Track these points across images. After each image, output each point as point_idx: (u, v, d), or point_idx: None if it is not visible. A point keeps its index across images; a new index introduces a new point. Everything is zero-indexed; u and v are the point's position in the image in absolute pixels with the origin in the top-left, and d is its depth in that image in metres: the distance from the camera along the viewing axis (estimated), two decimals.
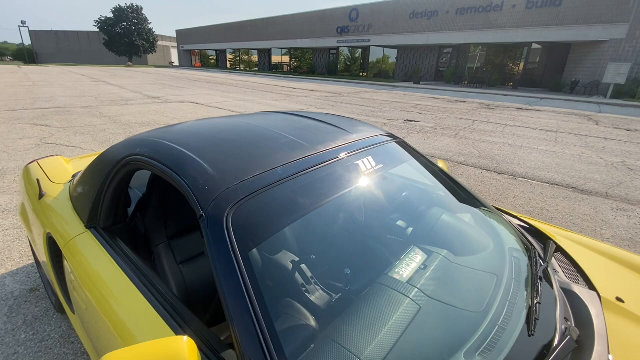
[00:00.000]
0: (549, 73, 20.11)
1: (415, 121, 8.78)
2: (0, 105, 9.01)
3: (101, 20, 49.36)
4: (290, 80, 24.97)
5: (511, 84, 20.89)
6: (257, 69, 41.00)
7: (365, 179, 1.12)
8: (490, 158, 5.42)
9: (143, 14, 52.21)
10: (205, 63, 50.83)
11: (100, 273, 1.05)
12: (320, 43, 30.64)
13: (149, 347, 0.60)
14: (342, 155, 1.13)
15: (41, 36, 58.11)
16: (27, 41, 57.87)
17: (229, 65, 45.25)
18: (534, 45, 19.65)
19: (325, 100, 12.74)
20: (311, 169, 1.01)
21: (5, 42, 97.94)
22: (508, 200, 3.74)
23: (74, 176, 1.60)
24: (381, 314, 0.87)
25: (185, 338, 0.63)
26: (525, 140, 6.85)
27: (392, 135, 1.56)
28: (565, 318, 0.90)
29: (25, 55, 55.04)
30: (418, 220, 1.34)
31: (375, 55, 29.12)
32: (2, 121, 7.02)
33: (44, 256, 1.48)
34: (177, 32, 53.45)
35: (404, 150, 1.50)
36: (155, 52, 54.85)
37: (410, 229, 1.28)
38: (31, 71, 27.64)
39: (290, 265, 0.92)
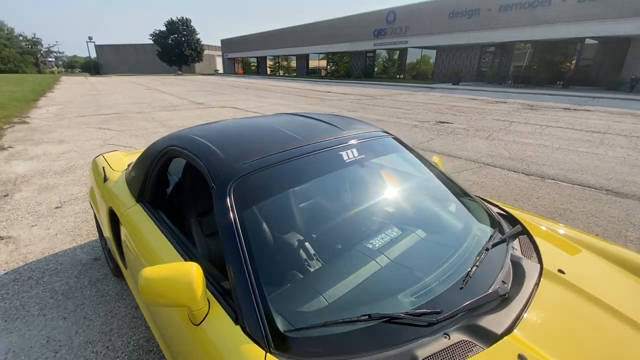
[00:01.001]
0: (604, 70, 18.47)
1: (447, 123, 8.67)
2: (72, 112, 10.38)
3: (155, 33, 53.81)
4: (326, 84, 25.44)
5: (561, 82, 19.48)
6: (295, 74, 42.13)
7: (348, 167, 1.36)
8: (520, 160, 5.29)
9: (192, 26, 56.02)
10: (246, 70, 53.28)
11: (145, 234, 1.41)
12: (357, 46, 30.82)
13: (171, 266, 0.90)
14: (329, 147, 1.38)
15: (105, 49, 64.69)
16: (93, 54, 64.84)
17: (268, 72, 47.00)
18: (588, 41, 18.20)
19: (357, 103, 12.93)
20: (300, 157, 1.28)
21: (75, 56, 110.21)
22: (530, 200, 3.70)
23: (129, 165, 2.03)
24: (346, 269, 1.11)
25: (195, 265, 0.93)
26: (565, 141, 6.52)
27: (386, 132, 1.79)
28: (503, 281, 1.07)
29: (91, 67, 61.63)
30: (398, 202, 1.55)
31: (412, 56, 28.69)
32: (73, 126, 8.14)
33: (106, 227, 1.91)
34: (222, 41, 56.64)
35: (395, 145, 1.72)
36: (202, 61, 58.51)
37: (390, 209, 1.50)
38: (97, 81, 30.97)
39: (274, 225, 1.20)
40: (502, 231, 1.35)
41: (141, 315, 1.96)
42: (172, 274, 0.88)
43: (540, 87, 19.40)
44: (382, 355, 0.81)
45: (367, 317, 0.87)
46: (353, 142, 1.48)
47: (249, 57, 50.96)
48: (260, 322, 0.86)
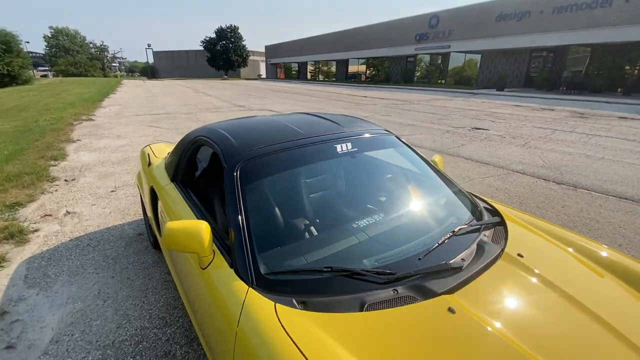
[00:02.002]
0: None
1: (483, 129, 8.45)
2: (130, 112, 11.58)
3: (206, 40, 57.47)
4: (363, 89, 25.53)
5: (621, 89, 17.83)
6: (334, 79, 42.65)
7: (340, 157, 1.59)
8: (554, 168, 5.09)
9: (239, 33, 59.01)
10: (288, 75, 54.90)
11: (175, 205, 1.74)
12: (397, 51, 30.55)
13: (188, 221, 1.19)
14: (326, 140, 1.61)
15: (161, 55, 70.23)
16: (151, 60, 70.75)
17: (309, 76, 48.05)
18: None
19: (392, 108, 12.93)
20: (298, 147, 1.53)
21: (136, 61, 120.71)
22: (554, 209, 3.62)
23: (168, 153, 2.42)
24: (327, 239, 1.34)
25: (205, 223, 1.20)
26: (612, 152, 6.11)
27: (387, 131, 1.98)
28: (462, 259, 1.23)
29: (148, 71, 67.24)
30: (388, 191, 1.74)
31: (455, 61, 27.84)
32: (130, 123, 9.13)
33: (148, 204, 2.30)
34: (266, 47, 58.93)
35: (393, 141, 1.90)
36: (246, 66, 61.32)
37: (380, 197, 1.69)
38: (152, 84, 33.80)
39: (268, 200, 1.45)
40: (473, 219, 1.49)
41: (172, 280, 2.32)
42: (188, 226, 1.17)
43: (597, 94, 17.90)
44: (337, 298, 1.02)
45: (329, 269, 1.09)
46: (350, 137, 1.70)
47: (291, 63, 52.48)
48: (248, 267, 1.11)
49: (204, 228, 1.18)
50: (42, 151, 5.74)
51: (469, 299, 1.04)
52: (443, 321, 0.96)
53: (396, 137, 2.00)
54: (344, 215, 1.51)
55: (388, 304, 1.01)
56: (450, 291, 1.06)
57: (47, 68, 65.90)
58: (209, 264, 1.22)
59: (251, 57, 63.07)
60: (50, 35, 64.40)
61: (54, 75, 59.29)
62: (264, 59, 62.77)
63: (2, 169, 4.65)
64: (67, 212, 3.45)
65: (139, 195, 3.12)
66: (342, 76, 40.75)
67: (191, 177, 1.94)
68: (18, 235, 2.89)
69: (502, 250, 1.29)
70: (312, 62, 46.84)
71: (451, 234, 1.32)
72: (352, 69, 39.48)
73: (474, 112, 11.71)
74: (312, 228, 1.40)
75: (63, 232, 3.02)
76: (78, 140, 6.91)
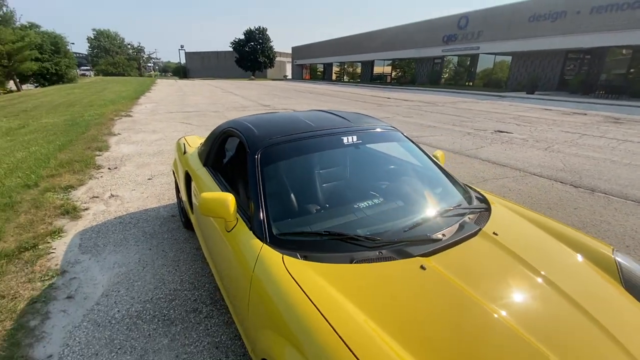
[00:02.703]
0: None
1: (506, 132, 8.36)
2: (163, 109, 12.34)
3: (235, 41, 59.16)
4: (388, 90, 25.47)
5: None
6: (359, 80, 42.68)
7: (345, 147, 1.84)
8: (574, 172, 5.05)
9: (267, 34, 60.29)
10: (313, 76, 55.50)
11: (207, 185, 2.06)
12: (424, 53, 30.20)
13: (218, 193, 1.48)
14: (334, 133, 1.86)
15: (192, 56, 73.06)
16: (183, 60, 73.84)
17: (334, 77, 48.35)
18: None
19: (414, 109, 12.94)
20: (309, 138, 1.80)
21: (169, 62, 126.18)
22: (565, 210, 3.66)
23: (200, 143, 2.77)
24: (330, 214, 1.60)
25: (230, 195, 1.49)
26: None
27: (392, 127, 2.20)
28: (443, 234, 1.44)
29: (180, 71, 70.17)
30: (389, 178, 1.97)
31: (484, 63, 27.14)
32: (164, 120, 9.79)
33: (182, 187, 2.66)
34: (293, 48, 59.87)
35: (397, 136, 2.13)
36: (273, 67, 62.53)
37: (382, 183, 1.93)
38: (184, 84, 35.35)
39: (282, 179, 1.73)
40: (467, 206, 1.70)
41: (200, 254, 2.66)
42: (218, 196, 1.47)
43: (638, 98, 16.92)
44: (332, 254, 1.28)
45: (327, 233, 1.35)
46: (356, 131, 1.94)
47: (316, 64, 53.02)
48: (263, 228, 1.39)
49: (230, 198, 1.47)
50: (88, 143, 6.38)
51: (440, 261, 1.26)
52: (414, 275, 1.19)
53: (401, 133, 2.23)
54: (347, 196, 1.76)
55: (372, 262, 1.25)
56: (425, 255, 1.29)
57: (88, 68, 70.43)
58: (232, 228, 1.52)
59: (278, 58, 64.22)
60: (92, 37, 68.79)
61: (94, 74, 63.24)
62: (290, 60, 63.78)
63: (57, 157, 5.26)
64: (112, 195, 3.91)
65: (174, 181, 3.51)
66: (367, 77, 40.71)
67: (220, 162, 2.26)
68: (72, 212, 3.36)
69: (480, 229, 1.49)
70: (338, 63, 47.10)
71: (437, 214, 1.53)
72: (377, 70, 39.37)
73: (499, 115, 11.51)
74: (318, 204, 1.66)
75: (108, 212, 3.46)
76: (118, 133, 7.56)
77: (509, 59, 24.77)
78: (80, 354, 1.72)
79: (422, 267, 1.21)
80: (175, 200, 3.74)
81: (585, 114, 12.03)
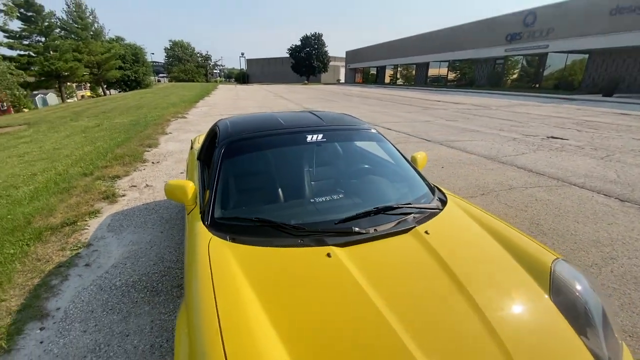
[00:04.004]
0: None
1: (560, 138, 7.56)
2: (216, 112, 13.42)
3: (291, 48, 61.48)
4: (441, 93, 24.38)
5: None
6: (413, 83, 41.40)
7: (307, 144, 1.94)
8: (627, 185, 4.43)
9: (322, 40, 61.59)
10: (366, 79, 55.21)
11: (194, 175, 2.32)
12: (483, 53, 28.30)
13: (180, 180, 1.70)
14: (300, 131, 1.98)
15: (252, 63, 77.63)
16: (244, 66, 78.77)
17: (388, 80, 47.56)
18: None
19: (463, 113, 12.26)
20: (275, 135, 1.94)
21: (234, 68, 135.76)
22: (597, 224, 3.27)
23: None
24: (274, 203, 1.73)
25: (191, 183, 1.70)
26: None
27: (369, 128, 2.25)
28: (375, 229, 1.47)
29: (241, 77, 74.98)
30: (346, 172, 2.03)
31: (554, 63, 24.53)
32: (213, 121, 10.66)
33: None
34: (347, 52, 60.29)
35: (373, 137, 2.18)
36: (327, 71, 63.61)
37: (347, 181, 1.99)
38: (241, 89, 37.74)
39: (240, 170, 1.88)
40: (418, 205, 1.69)
41: None
42: (179, 183, 1.70)
43: None
44: (257, 239, 1.40)
45: (257, 219, 1.48)
46: (324, 130, 2.03)
47: (369, 67, 52.68)
48: (208, 212, 1.57)
49: (189, 185, 1.69)
50: (142, 140, 7.27)
51: (349, 252, 1.31)
52: (319, 261, 1.27)
53: (378, 133, 2.26)
54: (303, 190, 1.86)
55: (288, 245, 1.35)
56: (340, 245, 1.34)
57: (165, 75, 78.75)
58: (190, 211, 1.73)
59: (332, 63, 65.13)
60: (169, 47, 76.91)
61: (168, 80, 70.49)
62: (344, 64, 64.27)
63: (114, 151, 6.11)
64: (147, 185, 4.46)
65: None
66: (422, 80, 39.33)
67: (207, 155, 2.51)
68: (111, 197, 3.93)
69: (413, 227, 1.49)
70: (391, 66, 46.26)
71: (376, 209, 1.57)
72: (432, 72, 37.84)
73: (559, 120, 10.40)
74: (270, 196, 1.80)
75: (140, 199, 3.97)
76: (170, 133, 8.47)
77: (583, 57, 22.07)
78: (80, 310, 2.08)
79: (328, 255, 1.28)
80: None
81: None
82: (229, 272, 1.22)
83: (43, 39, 26.98)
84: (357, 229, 1.44)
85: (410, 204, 1.69)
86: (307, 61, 60.85)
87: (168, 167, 5.36)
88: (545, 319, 1.14)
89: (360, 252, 1.33)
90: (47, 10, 26.80)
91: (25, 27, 26.04)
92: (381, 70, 49.15)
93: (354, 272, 1.21)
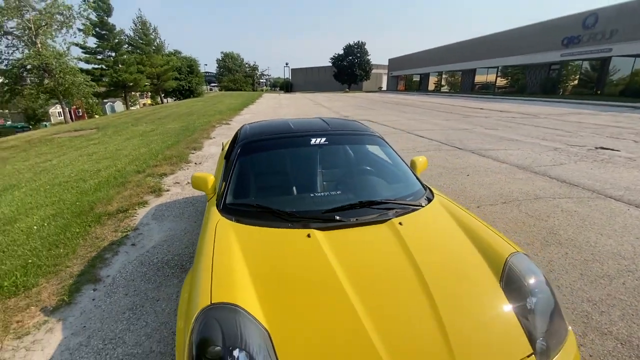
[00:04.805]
0: None
1: (610, 149, 7.03)
2: (258, 118, 14.25)
3: (334, 57, 62.56)
4: (488, 100, 23.32)
5: None
6: (458, 90, 39.94)
7: (311, 147, 2.21)
8: None
9: (365, 49, 61.86)
10: (408, 87, 54.31)
11: (219, 172, 2.71)
12: (536, 58, 26.58)
13: (203, 173, 2.07)
14: (306, 135, 2.26)
15: (296, 72, 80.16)
16: (288, 76, 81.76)
17: (432, 88, 46.38)
18: None
19: (505, 121, 11.73)
20: (284, 138, 2.25)
21: (279, 78, 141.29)
22: (624, 237, 3.12)
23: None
24: (282, 198, 2.02)
25: (211, 176, 2.06)
26: None
27: (372, 133, 2.48)
28: (356, 219, 1.69)
29: (285, 86, 77.74)
30: (345, 172, 2.26)
31: (620, 68, 22.31)
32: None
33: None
34: (390, 60, 59.89)
35: (375, 141, 2.41)
36: (369, 79, 63.64)
37: (337, 176, 2.24)
38: (284, 97, 39.25)
39: (251, 167, 2.20)
40: (403, 201, 1.88)
41: None
42: (203, 175, 2.07)
43: None
44: (256, 221, 1.70)
45: (258, 206, 1.78)
46: (327, 134, 2.30)
47: (412, 74, 51.79)
48: (221, 199, 1.91)
49: (210, 178, 2.05)
50: (189, 143, 8.06)
51: (328, 235, 1.55)
52: (300, 240, 1.53)
53: (380, 137, 2.49)
54: (297, 183, 2.13)
55: (279, 227, 1.63)
56: (320, 229, 1.59)
57: (216, 84, 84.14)
58: (210, 199, 2.08)
59: (374, 71, 65.02)
60: (220, 59, 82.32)
61: (219, 90, 75.16)
62: (386, 71, 63.86)
63: (164, 153, 6.90)
64: (188, 182, 5.04)
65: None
66: (468, 87, 37.82)
67: (228, 154, 2.90)
68: (157, 192, 4.52)
69: (389, 219, 1.69)
70: (436, 73, 45.09)
71: (360, 203, 1.79)
72: (480, 79, 36.26)
73: (616, 130, 9.57)
74: (271, 187, 2.10)
75: (181, 194, 4.52)
76: (213, 137, 9.25)
77: None
78: (124, 278, 2.54)
79: (308, 236, 1.54)
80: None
81: None
82: (227, 244, 1.53)
83: (113, 54, 30.61)
84: (338, 217, 1.68)
85: (394, 200, 1.89)
86: (349, 69, 61.40)
87: (208, 167, 5.94)
88: (491, 305, 1.29)
89: (337, 236, 1.57)
90: (117, 28, 30.43)
91: (100, 43, 29.77)
92: (425, 77, 48.07)
93: (328, 252, 1.45)
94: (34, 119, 28.00)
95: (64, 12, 20.51)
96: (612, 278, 2.49)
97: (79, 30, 22.44)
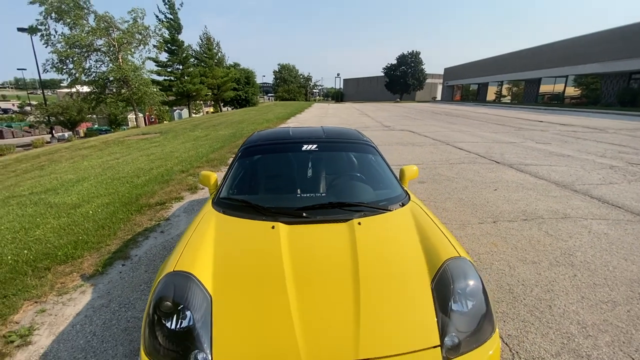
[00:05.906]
0: None
1: None
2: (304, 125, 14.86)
3: (387, 66, 62.22)
4: (551, 112, 21.38)
5: None
6: (521, 100, 37.04)
7: (301, 152, 2.45)
8: None
9: (419, 58, 60.57)
10: (465, 97, 51.71)
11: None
12: (613, 67, 23.75)
13: (208, 171, 2.43)
14: (300, 142, 2.51)
15: (348, 82, 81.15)
16: (340, 86, 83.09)
17: (492, 98, 43.64)
18: None
19: (563, 136, 10.76)
20: (280, 144, 2.53)
21: (332, 88, 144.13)
22: None
23: None
24: (269, 196, 2.29)
25: (215, 174, 2.41)
26: None
27: (367, 143, 2.66)
28: (323, 217, 1.89)
29: (337, 96, 79.05)
30: (332, 176, 2.45)
31: None
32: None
33: None
34: (445, 69, 57.76)
35: (368, 150, 2.59)
36: (422, 89, 62.01)
37: (332, 182, 2.44)
38: (332, 107, 39.96)
39: (249, 170, 2.49)
40: (375, 205, 2.03)
41: None
42: (207, 173, 2.43)
43: None
44: (238, 213, 1.98)
45: (242, 201, 2.07)
46: (320, 142, 2.52)
47: (469, 84, 49.29)
48: (217, 193, 2.24)
49: (212, 176, 2.41)
50: (232, 148, 8.80)
51: (291, 229, 1.77)
52: (264, 230, 1.77)
53: (372, 146, 2.65)
54: (284, 183, 2.37)
55: (254, 219, 1.90)
56: (286, 223, 1.82)
57: (273, 95, 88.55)
58: (212, 194, 2.43)
59: (429, 80, 63.21)
60: (277, 70, 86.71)
61: (275, 99, 78.96)
62: (442, 81, 61.64)
63: (208, 156, 7.65)
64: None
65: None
66: (532, 98, 34.96)
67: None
68: (193, 189, 5.10)
69: (350, 218, 1.85)
70: (496, 83, 42.40)
71: (330, 203, 1.99)
72: (545, 88, 33.32)
73: None
74: (260, 186, 2.38)
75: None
76: None
77: None
78: (148, 258, 3.00)
79: (273, 227, 1.78)
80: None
81: None
82: (205, 229, 1.83)
83: (181, 67, 34.14)
84: (305, 214, 1.89)
85: (366, 203, 2.05)
86: (401, 79, 60.53)
87: None
88: (413, 302, 1.38)
89: (299, 230, 1.78)
90: (185, 44, 33.95)
91: (170, 58, 33.45)
92: (483, 87, 45.44)
93: (283, 242, 1.67)
94: (115, 123, 32.39)
95: (142, 31, 23.59)
96: (617, 304, 2.31)
97: (154, 46, 25.54)
